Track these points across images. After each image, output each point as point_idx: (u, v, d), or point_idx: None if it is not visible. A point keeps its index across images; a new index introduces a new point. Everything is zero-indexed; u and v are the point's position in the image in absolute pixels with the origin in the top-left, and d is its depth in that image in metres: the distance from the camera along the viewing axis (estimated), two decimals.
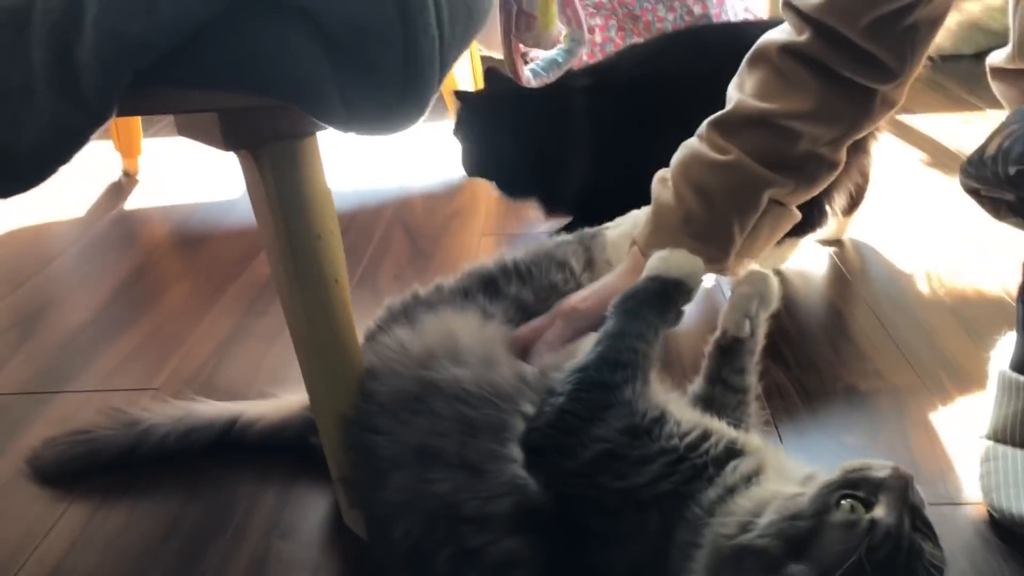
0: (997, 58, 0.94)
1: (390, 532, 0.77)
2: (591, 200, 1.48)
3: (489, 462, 0.73)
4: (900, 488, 0.61)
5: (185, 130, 0.80)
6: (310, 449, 0.96)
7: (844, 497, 0.61)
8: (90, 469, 1.02)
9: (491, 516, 0.71)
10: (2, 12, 0.65)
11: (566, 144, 1.52)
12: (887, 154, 1.97)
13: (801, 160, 0.90)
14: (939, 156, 1.94)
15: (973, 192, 0.86)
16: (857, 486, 0.62)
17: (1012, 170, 0.78)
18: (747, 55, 0.94)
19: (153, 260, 1.67)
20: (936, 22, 0.89)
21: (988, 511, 0.88)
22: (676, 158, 0.96)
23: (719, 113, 0.94)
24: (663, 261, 0.82)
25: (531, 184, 1.59)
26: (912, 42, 0.87)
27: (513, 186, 1.61)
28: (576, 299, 0.95)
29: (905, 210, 1.67)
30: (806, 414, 1.08)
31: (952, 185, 1.71)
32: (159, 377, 1.23)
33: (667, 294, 0.80)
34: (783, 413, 1.07)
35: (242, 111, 0.75)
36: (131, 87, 0.66)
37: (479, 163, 1.60)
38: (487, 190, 1.85)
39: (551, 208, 1.60)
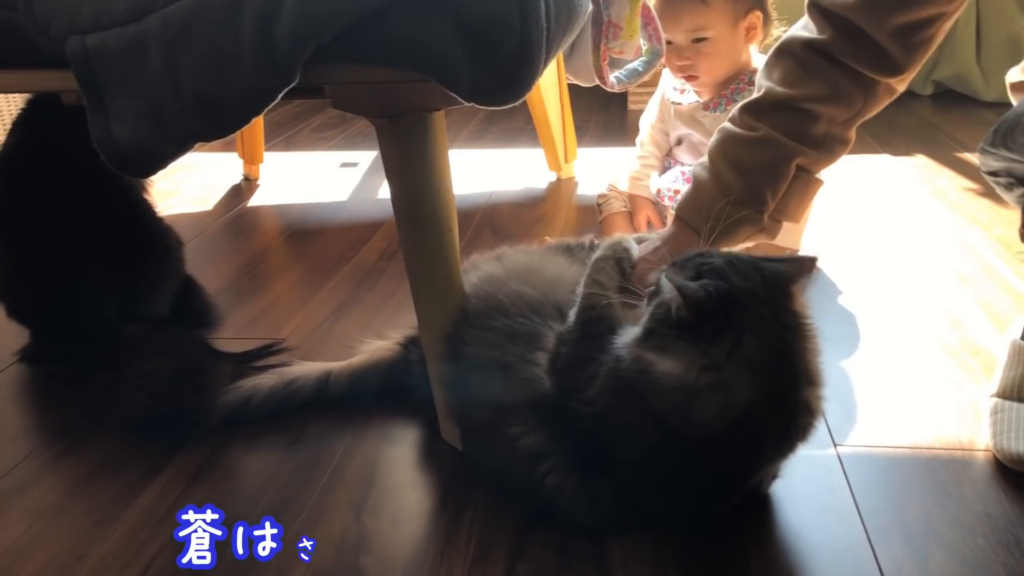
0: (1014, 74, 1.10)
1: (473, 419, 1.00)
2: None
3: (519, 364, 0.95)
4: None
5: (338, 102, 1.00)
6: (405, 387, 1.16)
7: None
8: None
9: (514, 406, 0.94)
10: None
11: None
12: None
13: (821, 136, 1.06)
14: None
15: (992, 174, 1.01)
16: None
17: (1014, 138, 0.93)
18: (773, 48, 1.10)
19: (274, 246, 1.90)
20: (943, 34, 1.04)
21: (993, 453, 1.02)
22: (713, 140, 1.12)
23: (750, 98, 1.10)
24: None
25: None
26: (926, 47, 1.02)
27: None
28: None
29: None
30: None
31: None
32: (285, 331, 1.44)
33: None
34: None
35: (389, 85, 0.95)
36: (309, 62, 0.87)
37: None
38: (568, 201, 2.05)
39: None
